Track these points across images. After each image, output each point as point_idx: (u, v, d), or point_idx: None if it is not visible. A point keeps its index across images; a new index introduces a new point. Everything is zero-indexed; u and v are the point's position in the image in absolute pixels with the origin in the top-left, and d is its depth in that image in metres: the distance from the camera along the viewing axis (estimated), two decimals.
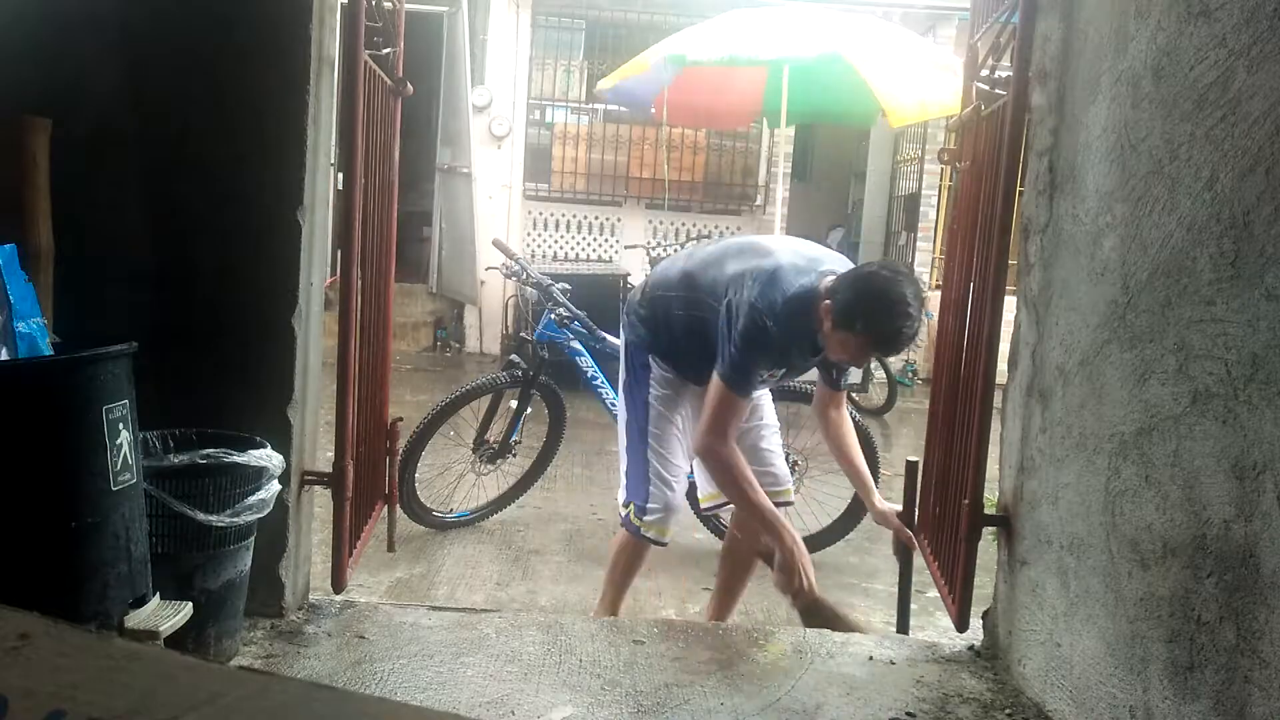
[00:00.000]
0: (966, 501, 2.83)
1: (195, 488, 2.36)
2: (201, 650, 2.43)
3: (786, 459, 3.91)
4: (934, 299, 8.33)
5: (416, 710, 1.23)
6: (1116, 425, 2.23)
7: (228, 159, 2.65)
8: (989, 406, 2.85)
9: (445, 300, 9.33)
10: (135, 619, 2.05)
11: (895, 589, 3.78)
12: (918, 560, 3.33)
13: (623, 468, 3.12)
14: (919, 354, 9.05)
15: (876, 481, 3.98)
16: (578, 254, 9.46)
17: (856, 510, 3.99)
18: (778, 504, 3.05)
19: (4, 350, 2.25)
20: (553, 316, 3.96)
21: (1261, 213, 1.77)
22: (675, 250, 8.20)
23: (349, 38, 2.68)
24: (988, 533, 2.87)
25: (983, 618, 3.00)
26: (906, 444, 6.50)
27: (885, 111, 6.97)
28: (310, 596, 3.00)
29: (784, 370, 2.90)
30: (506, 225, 9.17)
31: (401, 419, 3.35)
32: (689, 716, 2.46)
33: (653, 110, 8.13)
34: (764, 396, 3.19)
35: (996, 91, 3.08)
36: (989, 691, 2.70)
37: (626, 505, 3.11)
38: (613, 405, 3.99)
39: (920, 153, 9.18)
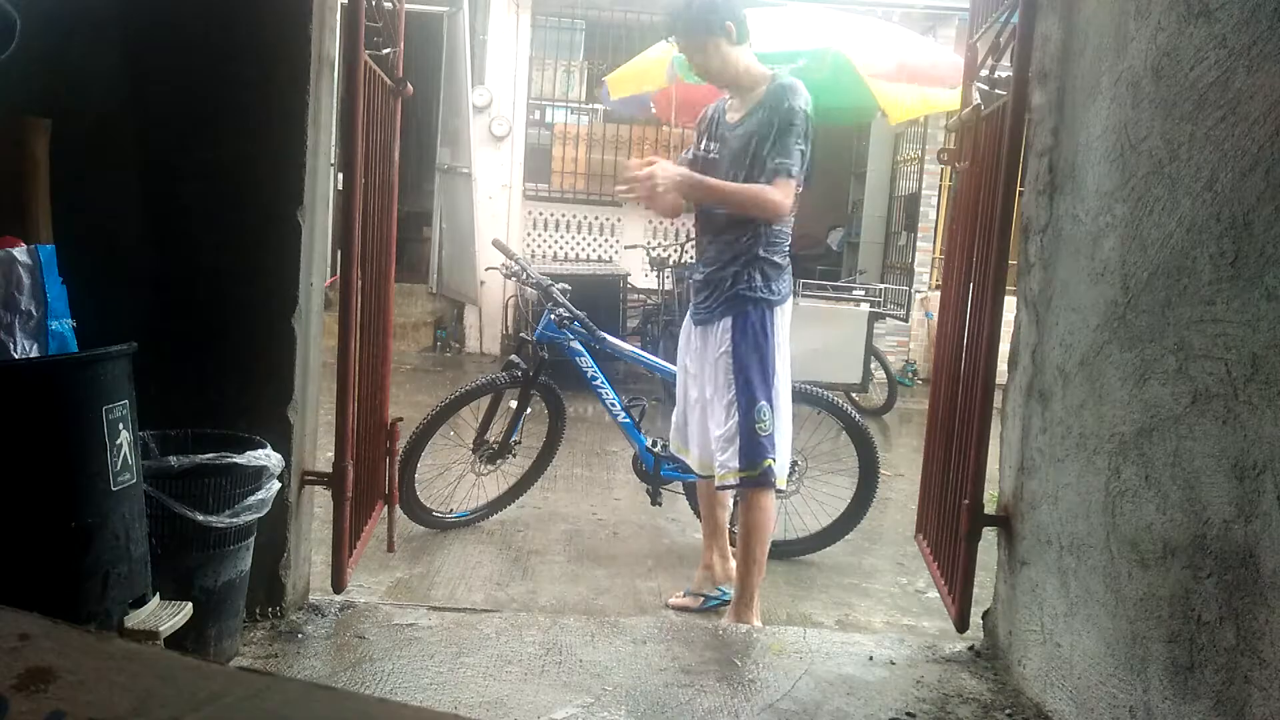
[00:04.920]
0: (966, 501, 2.83)
1: (195, 488, 2.36)
2: (201, 650, 2.42)
3: None
4: (934, 299, 8.33)
5: (416, 710, 1.23)
6: (1116, 425, 2.23)
7: (228, 159, 2.65)
8: (989, 406, 2.85)
9: (445, 300, 9.33)
10: (135, 619, 2.04)
11: (895, 589, 3.78)
12: (917, 560, 3.32)
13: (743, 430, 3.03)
14: (919, 354, 9.05)
15: (876, 482, 3.99)
16: (578, 254, 9.46)
17: (857, 510, 3.99)
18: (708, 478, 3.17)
19: (35, 347, 2.27)
20: (553, 317, 3.96)
21: (1261, 213, 1.77)
22: (674, 250, 8.20)
23: (349, 38, 2.68)
24: (988, 532, 2.87)
25: (983, 618, 3.00)
26: (906, 444, 6.50)
27: (883, 109, 6.97)
28: (310, 596, 3.00)
29: None
30: (506, 225, 9.17)
31: (401, 419, 3.35)
32: (689, 717, 2.46)
33: (653, 108, 8.12)
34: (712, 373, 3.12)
35: (996, 91, 3.08)
36: (989, 692, 2.70)
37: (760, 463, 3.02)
38: (613, 405, 3.98)
39: (920, 153, 9.18)
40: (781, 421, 3.08)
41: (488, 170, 9.12)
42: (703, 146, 3.16)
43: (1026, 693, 2.65)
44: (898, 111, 6.97)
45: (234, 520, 2.41)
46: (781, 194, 2.87)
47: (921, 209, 9.22)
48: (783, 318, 3.03)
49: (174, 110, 2.65)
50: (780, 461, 3.08)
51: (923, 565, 3.55)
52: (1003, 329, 2.82)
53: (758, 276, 3.00)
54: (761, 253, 2.99)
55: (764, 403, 2.99)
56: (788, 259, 3.07)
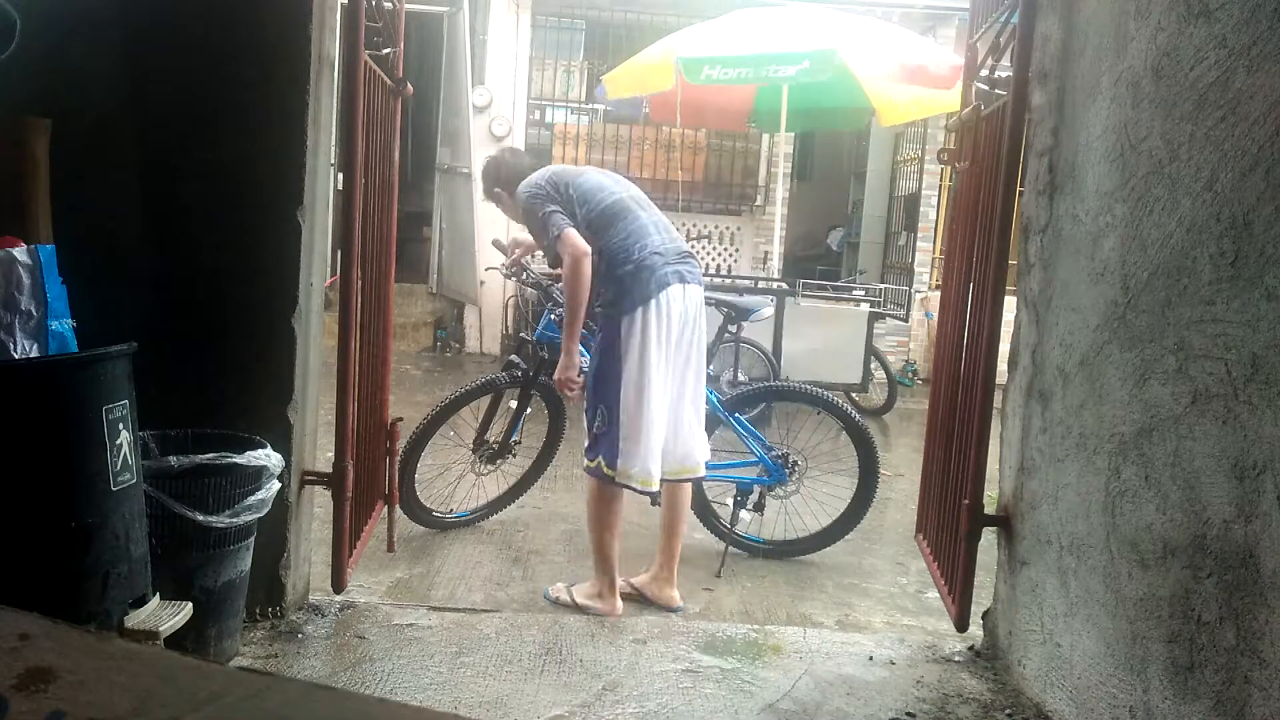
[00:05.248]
0: (966, 501, 2.83)
1: (195, 488, 2.36)
2: (201, 650, 2.42)
3: (786, 459, 3.93)
4: (934, 299, 8.32)
5: (416, 710, 1.23)
6: (1116, 425, 2.23)
7: (228, 159, 2.65)
8: (989, 406, 2.85)
9: (445, 300, 9.32)
10: (135, 619, 2.05)
11: (895, 589, 3.79)
12: (917, 560, 3.32)
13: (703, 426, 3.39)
14: (919, 354, 9.05)
15: (876, 482, 3.99)
16: None
17: (857, 510, 3.99)
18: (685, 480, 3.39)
19: (35, 347, 2.27)
20: (553, 317, 3.95)
21: (1261, 213, 1.77)
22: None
23: (349, 38, 2.69)
24: (988, 532, 2.87)
25: (983, 618, 3.00)
26: (906, 444, 6.50)
27: (878, 110, 6.97)
28: (310, 596, 3.00)
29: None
30: (506, 225, 9.14)
31: (401, 419, 3.35)
32: (689, 717, 2.46)
33: (646, 110, 8.12)
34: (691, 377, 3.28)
35: (996, 91, 3.08)
36: (989, 692, 2.70)
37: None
38: None
39: (920, 153, 9.17)
40: (628, 424, 3.13)
41: None
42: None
43: (1026, 693, 2.65)
44: (892, 113, 6.97)
45: (234, 520, 2.41)
46: (563, 249, 3.17)
47: (921, 209, 9.21)
48: (636, 321, 3.12)
49: (174, 110, 2.65)
50: (623, 464, 3.14)
51: (923, 565, 3.55)
52: (1003, 329, 2.82)
53: (607, 293, 3.22)
54: (604, 270, 3.21)
55: (601, 405, 3.19)
56: (632, 265, 3.15)
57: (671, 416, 3.23)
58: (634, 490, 3.18)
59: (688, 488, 3.45)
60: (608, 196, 3.27)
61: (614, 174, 3.51)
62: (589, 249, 3.16)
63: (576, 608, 3.24)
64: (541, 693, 2.52)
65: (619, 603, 3.25)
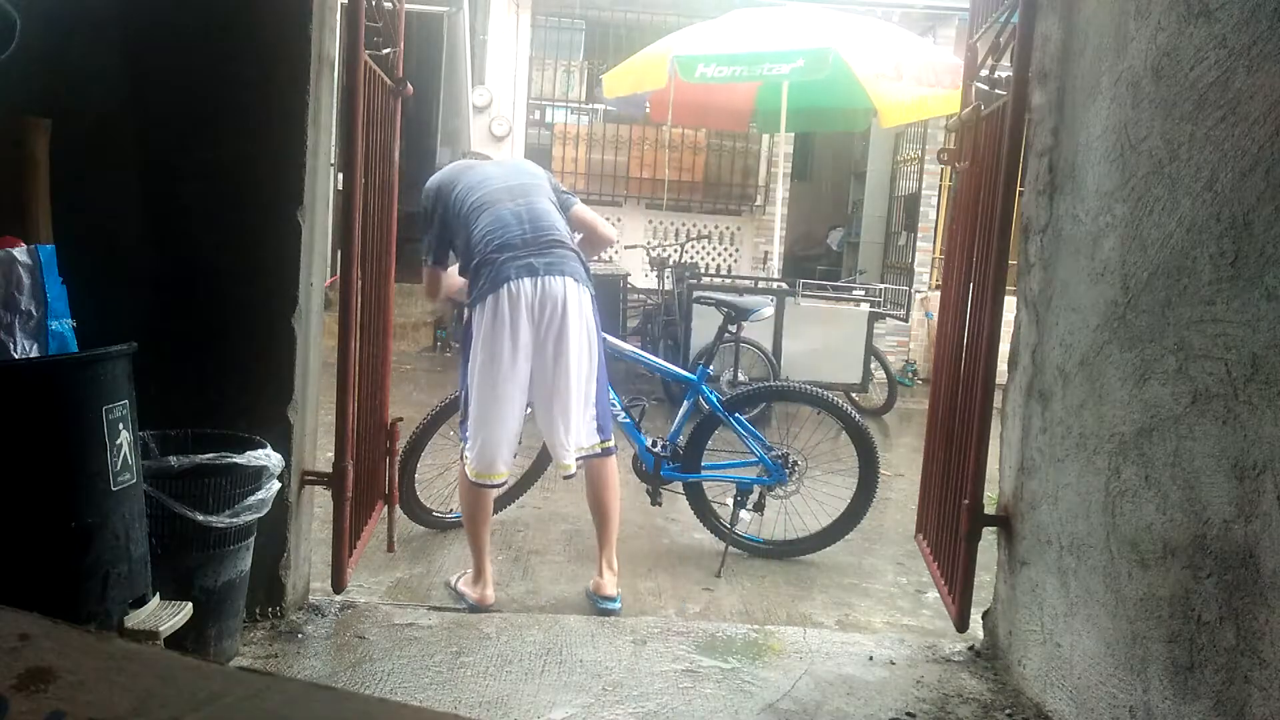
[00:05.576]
0: (966, 501, 2.83)
1: (195, 488, 2.36)
2: (201, 650, 2.42)
3: (786, 459, 3.93)
4: (934, 299, 8.32)
5: (416, 710, 1.23)
6: (1116, 425, 2.23)
7: (228, 159, 2.65)
8: (989, 407, 2.85)
9: (445, 300, 9.33)
10: (135, 619, 2.04)
11: (895, 589, 3.78)
12: (917, 560, 3.31)
13: (593, 411, 3.37)
14: (919, 354, 9.05)
15: (876, 482, 3.99)
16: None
17: (857, 510, 3.99)
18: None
19: (35, 347, 2.27)
20: None
21: (1261, 213, 1.77)
22: (674, 250, 8.20)
23: (349, 38, 2.69)
24: (988, 532, 2.87)
25: (983, 618, 3.00)
26: (906, 444, 6.50)
27: (878, 110, 6.97)
28: (310, 596, 3.00)
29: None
30: None
31: (401, 419, 3.35)
32: (689, 717, 2.46)
33: (647, 109, 8.12)
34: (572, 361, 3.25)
35: (996, 91, 3.08)
36: (989, 691, 2.70)
37: (607, 440, 3.40)
38: (612, 405, 3.98)
39: (920, 153, 9.17)
40: (474, 409, 3.20)
41: None
42: None
43: (1026, 693, 2.65)
44: (893, 114, 6.97)
45: (234, 520, 2.41)
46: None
47: (921, 209, 9.21)
48: (476, 315, 3.20)
49: (174, 110, 2.65)
50: (471, 451, 3.21)
51: (923, 565, 3.55)
52: (1003, 329, 2.82)
53: (468, 288, 3.32)
54: (466, 266, 3.31)
55: (460, 393, 3.33)
56: (477, 259, 3.21)
57: (541, 409, 3.24)
58: (471, 483, 3.21)
59: (604, 472, 3.39)
60: (477, 191, 3.32)
61: (512, 163, 3.55)
62: (428, 273, 3.53)
63: (457, 594, 3.33)
64: (541, 693, 2.52)
65: (489, 592, 3.27)
